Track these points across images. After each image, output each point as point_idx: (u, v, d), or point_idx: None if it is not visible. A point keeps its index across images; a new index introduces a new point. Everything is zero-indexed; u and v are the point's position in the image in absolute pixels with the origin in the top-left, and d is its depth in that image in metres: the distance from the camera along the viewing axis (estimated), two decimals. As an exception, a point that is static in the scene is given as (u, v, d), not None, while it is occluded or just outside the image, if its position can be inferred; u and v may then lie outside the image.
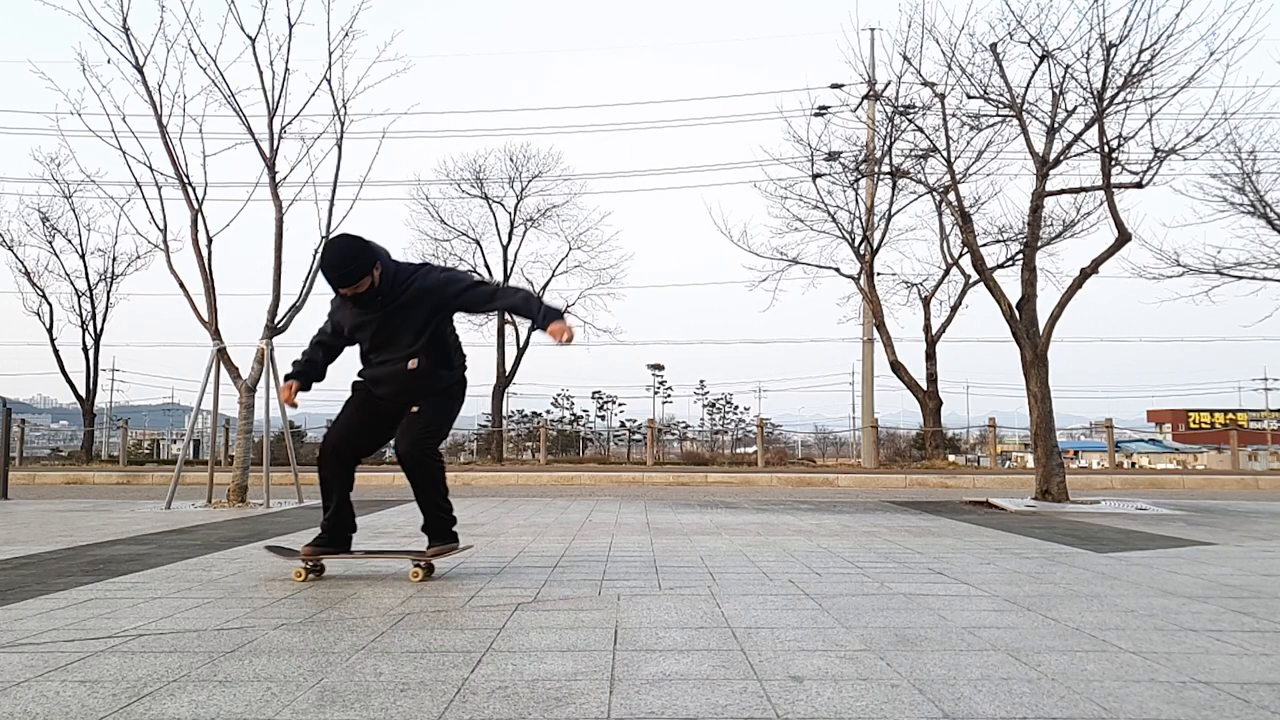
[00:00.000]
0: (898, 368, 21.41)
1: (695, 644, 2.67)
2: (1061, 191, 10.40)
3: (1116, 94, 8.69)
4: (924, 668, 2.39)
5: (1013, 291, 9.62)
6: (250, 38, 9.03)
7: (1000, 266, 18.73)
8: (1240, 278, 12.46)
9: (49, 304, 25.23)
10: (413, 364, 3.77)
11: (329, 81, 9.34)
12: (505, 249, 26.70)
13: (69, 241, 25.14)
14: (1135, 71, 8.61)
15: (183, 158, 8.98)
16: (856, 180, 20.63)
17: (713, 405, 54.08)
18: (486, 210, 26.65)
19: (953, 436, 29.62)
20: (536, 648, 2.63)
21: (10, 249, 24.70)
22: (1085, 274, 9.11)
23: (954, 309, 22.67)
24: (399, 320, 3.78)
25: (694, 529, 6.41)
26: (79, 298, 25.50)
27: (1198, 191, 12.60)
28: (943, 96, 9.90)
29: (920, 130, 11.63)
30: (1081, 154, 9.38)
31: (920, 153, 12.52)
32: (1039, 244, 9.76)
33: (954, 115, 10.19)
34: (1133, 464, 36.41)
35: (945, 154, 10.12)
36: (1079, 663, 2.45)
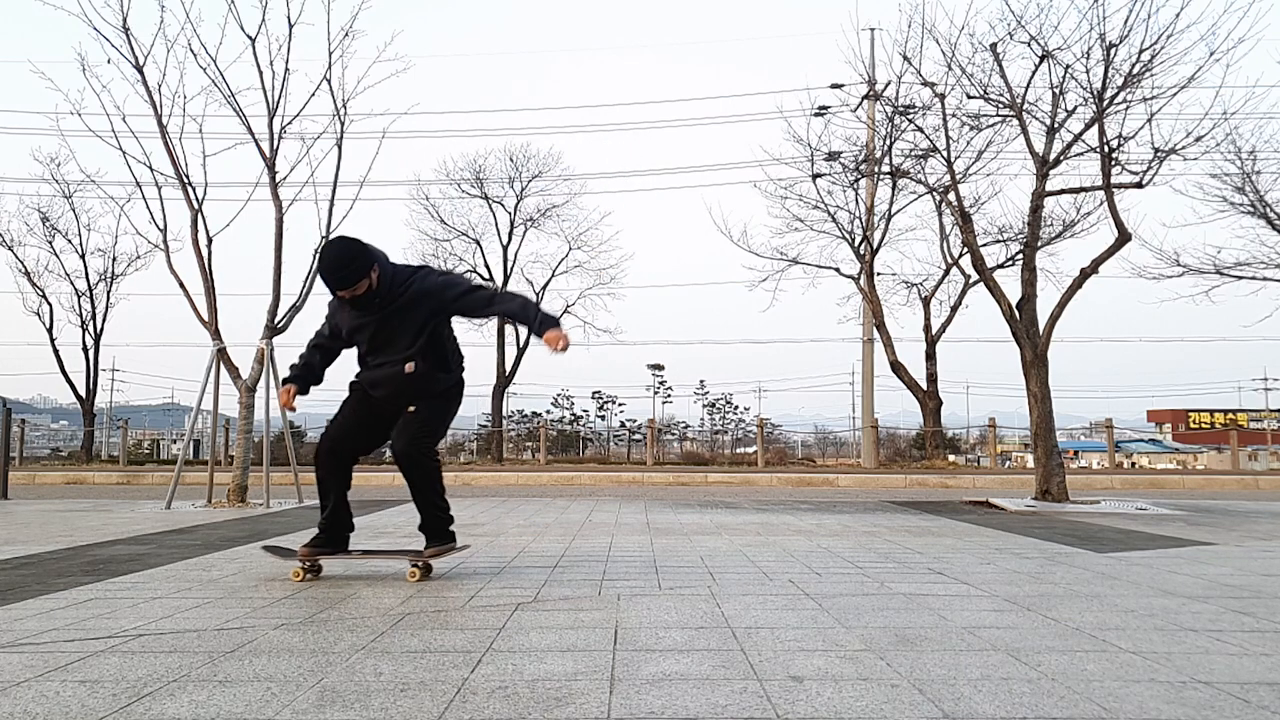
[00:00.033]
0: (898, 368, 21.41)
1: (695, 644, 2.67)
2: (1061, 191, 10.40)
3: (1116, 94, 8.69)
4: (924, 668, 2.39)
5: (1013, 291, 9.63)
6: (250, 38, 9.03)
7: (1000, 266, 18.74)
8: (1240, 278, 12.46)
9: (49, 304, 25.28)
10: (410, 367, 3.78)
11: (329, 81, 9.35)
12: (505, 249, 26.72)
13: (69, 241, 25.18)
14: (1135, 71, 8.61)
15: (183, 158, 8.99)
16: (856, 180, 20.63)
17: (713, 405, 54.14)
18: (486, 210, 26.69)
19: (953, 436, 29.63)
20: (536, 648, 2.63)
21: (10, 249, 24.73)
22: (1085, 274, 9.12)
23: (954, 309, 22.68)
24: (397, 323, 3.78)
25: (694, 529, 6.41)
26: (79, 298, 25.54)
27: (1198, 191, 12.61)
28: (943, 96, 9.90)
29: (920, 130, 11.63)
30: (1081, 154, 9.38)
31: (920, 153, 12.52)
32: (1039, 244, 9.76)
33: (954, 115, 10.19)
34: (1133, 464, 36.41)
35: (945, 154, 10.12)
36: (1079, 663, 2.45)
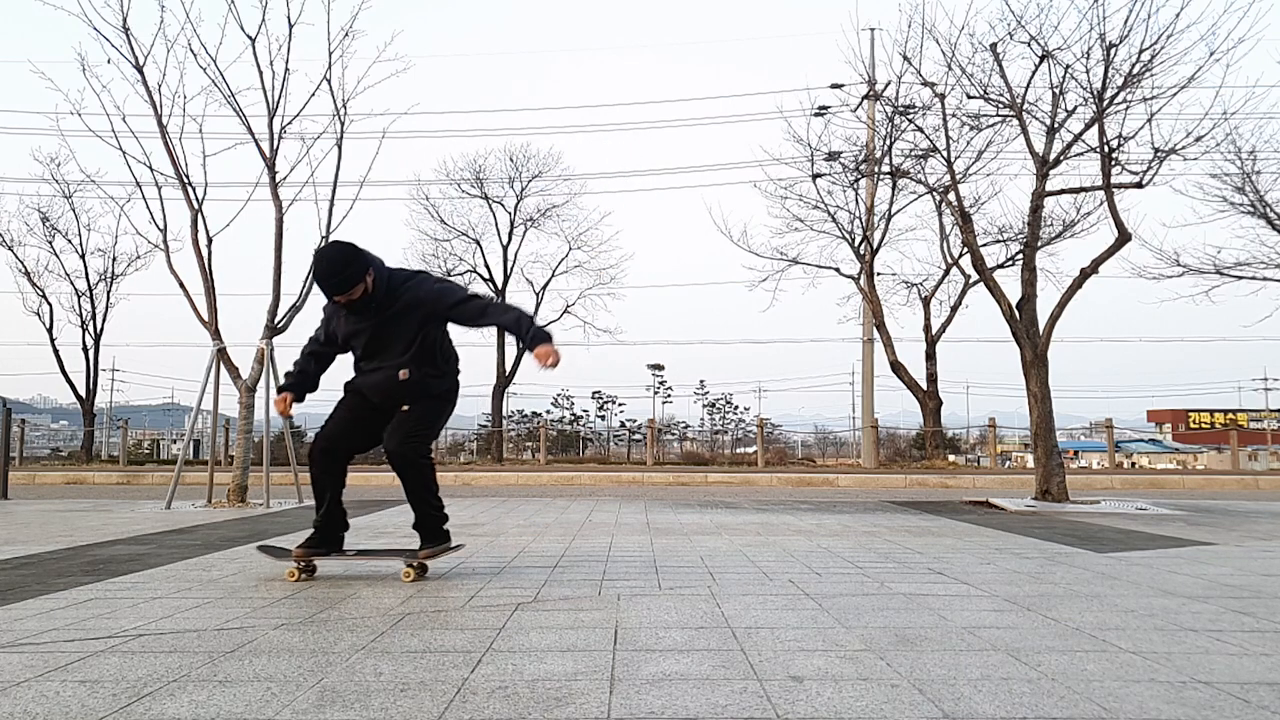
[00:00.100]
0: (898, 368, 21.41)
1: (695, 644, 2.66)
2: (1061, 191, 10.40)
3: (1116, 94, 8.69)
4: (924, 668, 2.39)
5: (1013, 291, 9.63)
6: (250, 38, 9.03)
7: (1000, 266, 18.75)
8: (1240, 278, 12.47)
9: (49, 304, 25.29)
10: (404, 374, 3.79)
11: (329, 81, 9.36)
12: (505, 249, 26.71)
13: (69, 241, 25.20)
14: (1135, 71, 8.61)
15: (183, 158, 9.00)
16: (856, 180, 20.63)
17: (713, 405, 54.11)
18: (486, 210, 26.68)
19: (953, 436, 29.62)
20: (536, 648, 2.63)
21: (10, 249, 24.75)
22: (1085, 274, 9.12)
23: (954, 309, 22.69)
24: (392, 328, 3.80)
25: (694, 529, 6.41)
26: (79, 298, 25.55)
27: (1198, 191, 12.62)
28: (943, 96, 9.90)
29: (920, 130, 11.63)
30: (1081, 154, 9.38)
31: (920, 153, 12.52)
32: (1039, 244, 9.76)
33: (954, 115, 10.19)
34: (1133, 464, 36.41)
35: (945, 154, 10.12)
36: (1079, 663, 2.45)
